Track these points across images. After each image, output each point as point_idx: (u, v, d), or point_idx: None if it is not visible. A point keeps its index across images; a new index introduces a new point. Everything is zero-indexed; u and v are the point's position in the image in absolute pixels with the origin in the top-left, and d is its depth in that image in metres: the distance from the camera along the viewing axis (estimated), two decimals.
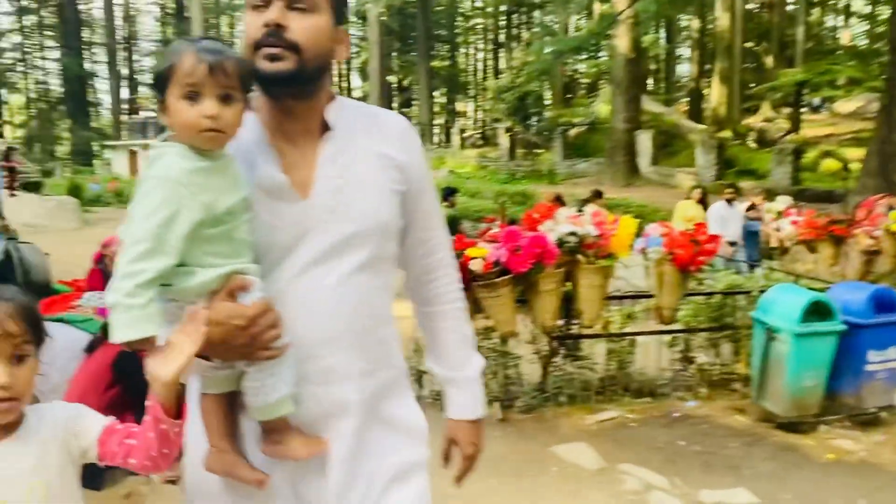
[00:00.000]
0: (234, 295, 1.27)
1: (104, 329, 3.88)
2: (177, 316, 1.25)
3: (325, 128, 1.41)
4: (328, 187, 1.38)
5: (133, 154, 31.90)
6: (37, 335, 1.27)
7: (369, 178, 1.42)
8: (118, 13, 48.09)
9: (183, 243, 1.20)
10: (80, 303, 5.83)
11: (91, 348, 3.71)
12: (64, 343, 4.20)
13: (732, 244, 9.20)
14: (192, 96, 1.22)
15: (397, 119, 1.52)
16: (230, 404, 1.38)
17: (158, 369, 1.17)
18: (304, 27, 1.32)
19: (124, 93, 47.96)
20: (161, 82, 1.25)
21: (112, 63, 45.52)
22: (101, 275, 6.62)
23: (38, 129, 46.27)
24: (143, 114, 41.52)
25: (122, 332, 1.16)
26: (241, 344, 1.26)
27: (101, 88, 50.60)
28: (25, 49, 49.38)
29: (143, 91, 50.71)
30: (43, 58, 50.71)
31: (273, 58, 1.31)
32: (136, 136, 32.41)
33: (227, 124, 1.25)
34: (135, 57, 52.50)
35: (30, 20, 49.36)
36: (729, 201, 9.52)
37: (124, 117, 41.99)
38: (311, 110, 1.40)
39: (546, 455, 4.18)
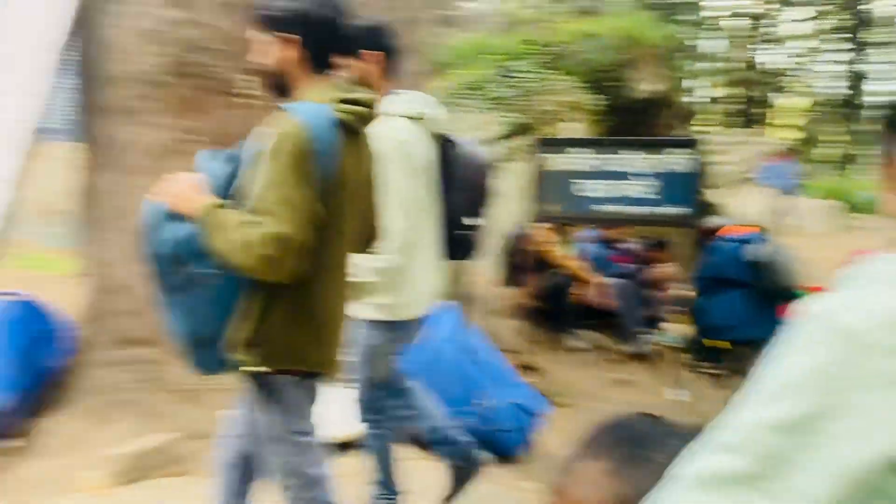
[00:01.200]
0: None
1: None
2: None
3: None
4: None
5: None
6: None
7: None
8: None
9: (847, 493, 0.60)
10: None
11: None
12: None
13: None
14: None
15: None
16: None
17: None
18: None
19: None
20: None
21: None
22: None
23: (813, 131, 47.67)
24: None
25: None
26: None
27: (867, 90, 48.62)
28: (810, 52, 51.07)
29: None
30: (825, 61, 51.51)
31: None
32: None
33: None
34: None
35: (823, 24, 50.76)
36: None
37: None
38: None
39: None
